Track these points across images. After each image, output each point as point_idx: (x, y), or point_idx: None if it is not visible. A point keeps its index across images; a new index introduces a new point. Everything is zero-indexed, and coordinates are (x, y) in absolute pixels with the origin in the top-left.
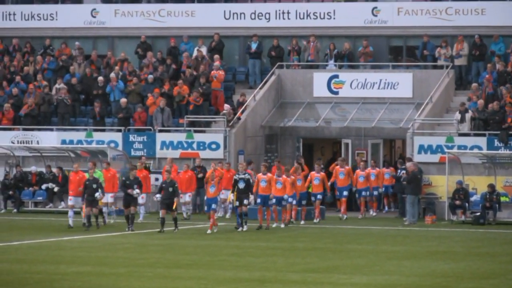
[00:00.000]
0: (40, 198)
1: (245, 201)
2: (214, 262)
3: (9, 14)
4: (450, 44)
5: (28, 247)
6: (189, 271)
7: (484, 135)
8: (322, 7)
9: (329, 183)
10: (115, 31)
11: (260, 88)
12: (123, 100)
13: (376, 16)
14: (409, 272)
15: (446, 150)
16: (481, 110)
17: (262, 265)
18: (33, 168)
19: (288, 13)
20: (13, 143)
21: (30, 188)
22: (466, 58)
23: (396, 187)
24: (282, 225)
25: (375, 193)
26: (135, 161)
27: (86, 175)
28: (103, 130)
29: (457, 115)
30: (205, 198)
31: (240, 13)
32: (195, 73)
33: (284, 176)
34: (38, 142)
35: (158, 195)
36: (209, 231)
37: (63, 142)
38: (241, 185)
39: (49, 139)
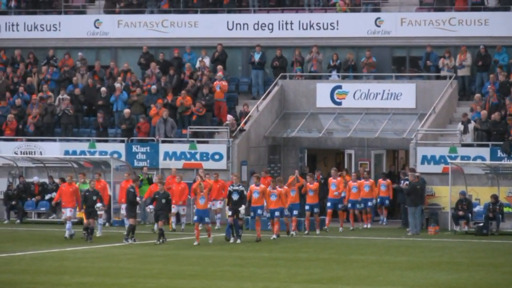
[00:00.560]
0: (43, 208)
1: (241, 215)
2: (217, 273)
3: (12, 25)
4: (453, 55)
5: (31, 257)
6: (192, 282)
7: (487, 145)
8: (325, 18)
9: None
10: (118, 41)
11: (263, 99)
12: (126, 111)
13: (379, 26)
14: (412, 282)
15: (449, 160)
16: (484, 120)
17: (265, 276)
18: (35, 179)
19: (291, 23)
20: (16, 153)
21: (33, 199)
22: (469, 68)
23: (400, 198)
24: (274, 236)
25: (369, 204)
26: (138, 172)
27: (80, 186)
28: (106, 141)
29: (460, 126)
30: (195, 209)
31: (243, 24)
32: (198, 84)
33: (278, 188)
34: (41, 153)
35: (151, 206)
36: (196, 243)
37: (66, 152)
38: (235, 196)
39: (52, 149)
